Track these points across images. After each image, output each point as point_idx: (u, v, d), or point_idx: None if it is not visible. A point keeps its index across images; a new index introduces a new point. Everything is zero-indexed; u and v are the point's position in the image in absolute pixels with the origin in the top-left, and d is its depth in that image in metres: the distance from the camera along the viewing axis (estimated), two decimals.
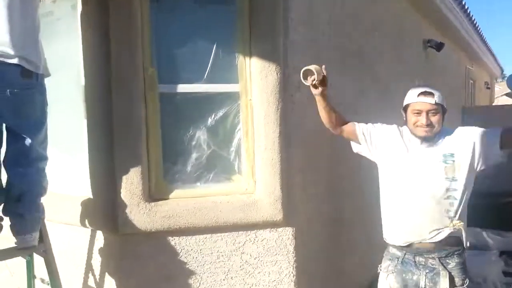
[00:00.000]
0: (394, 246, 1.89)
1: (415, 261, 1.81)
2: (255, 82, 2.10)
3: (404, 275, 1.84)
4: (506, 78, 7.30)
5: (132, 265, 2.02)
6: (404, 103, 1.86)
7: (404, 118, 1.88)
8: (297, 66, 2.13)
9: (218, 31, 2.14)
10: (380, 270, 1.95)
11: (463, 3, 5.24)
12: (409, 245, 1.81)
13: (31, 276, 1.99)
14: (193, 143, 2.13)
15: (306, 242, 2.25)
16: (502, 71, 12.49)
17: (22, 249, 1.76)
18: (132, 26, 1.93)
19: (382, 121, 2.02)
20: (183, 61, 2.14)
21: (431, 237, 1.75)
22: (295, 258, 2.14)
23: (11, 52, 1.55)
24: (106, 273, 2.08)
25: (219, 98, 2.14)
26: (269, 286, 2.13)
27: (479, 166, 1.78)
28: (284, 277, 2.13)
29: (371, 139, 1.95)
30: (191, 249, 2.06)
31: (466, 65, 7.95)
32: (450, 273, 1.76)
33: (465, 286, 1.79)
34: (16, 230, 1.74)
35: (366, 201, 2.99)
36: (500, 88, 15.86)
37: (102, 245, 2.10)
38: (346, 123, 2.01)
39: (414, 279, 1.81)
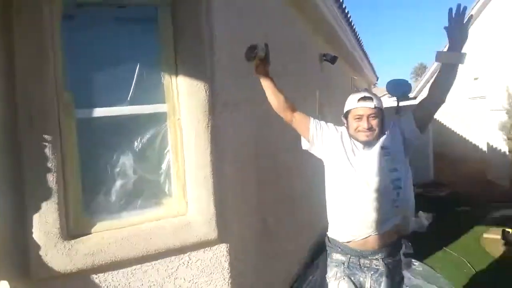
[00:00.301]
0: (338, 251, 1.95)
1: (359, 264, 1.90)
2: (183, 101, 2.08)
3: (352, 278, 1.91)
4: (386, 84, 8.46)
5: None
6: (345, 110, 1.96)
7: (346, 125, 1.98)
8: (223, 83, 2.20)
9: (141, 51, 2.07)
10: (329, 280, 2.00)
11: (352, 24, 5.95)
12: (354, 245, 1.88)
13: None
14: (117, 169, 2.01)
15: (240, 257, 2.31)
16: (377, 78, 14.29)
17: None
18: (41, 48, 1.74)
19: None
20: (103, 83, 2.01)
21: (381, 228, 1.84)
22: (230, 274, 2.18)
23: None
24: None
25: (145, 120, 2.07)
26: None
27: (409, 152, 1.93)
28: None
29: (322, 137, 1.99)
30: (119, 284, 1.94)
31: (351, 75, 8.96)
32: (391, 272, 1.90)
33: (401, 283, 1.98)
34: None
35: (293, 212, 3.19)
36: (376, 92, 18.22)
37: None
38: (295, 110, 2.04)
39: (360, 281, 1.91)
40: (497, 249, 4.33)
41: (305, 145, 2.09)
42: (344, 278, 1.91)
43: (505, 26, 9.65)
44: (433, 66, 14.35)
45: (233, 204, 2.27)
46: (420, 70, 47.14)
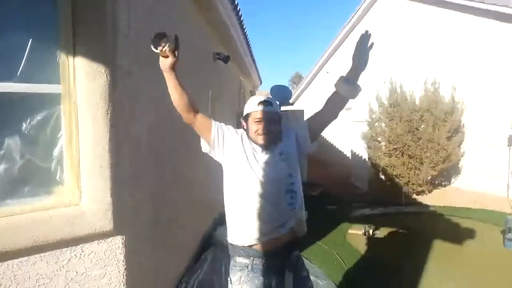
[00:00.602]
0: (241, 254, 1.96)
1: (263, 266, 1.93)
2: (81, 84, 2.01)
3: (256, 281, 1.92)
4: (270, 89, 9.08)
5: None
6: (245, 112, 2.02)
7: (245, 127, 2.03)
8: (125, 69, 2.19)
9: (35, 26, 1.94)
10: (231, 283, 1.98)
11: (244, 28, 6.28)
12: (256, 248, 1.92)
13: None
14: (2, 152, 1.85)
15: (138, 248, 2.32)
16: (261, 82, 15.19)
17: None
18: None
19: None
20: None
21: (278, 232, 1.92)
22: (125, 266, 2.17)
23: None
24: None
25: (36, 100, 1.95)
26: None
27: (300, 157, 2.03)
28: (114, 286, 2.13)
29: (223, 141, 1.99)
30: (2, 278, 1.80)
31: (239, 77, 9.39)
32: (294, 269, 2.01)
33: (308, 277, 2.09)
34: None
35: (187, 204, 3.27)
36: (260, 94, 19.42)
37: None
38: (198, 112, 1.98)
39: (265, 283, 1.93)
40: (359, 242, 5.10)
41: (205, 147, 2.08)
42: (246, 283, 1.93)
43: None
44: (309, 77, 15.99)
45: (129, 195, 2.26)
46: (296, 78, 51.34)
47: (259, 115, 1.94)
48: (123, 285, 2.17)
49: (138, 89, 2.44)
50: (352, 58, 1.95)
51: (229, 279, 2.01)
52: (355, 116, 9.62)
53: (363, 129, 8.98)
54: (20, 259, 1.84)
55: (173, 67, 1.84)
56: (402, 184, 7.87)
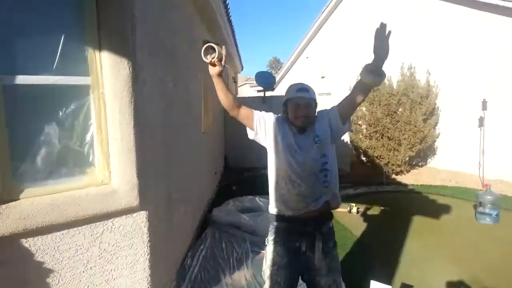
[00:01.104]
0: (279, 220, 2.22)
1: (295, 231, 2.18)
2: (107, 76, 2.27)
3: (288, 244, 2.18)
4: (255, 75, 9.38)
5: None
6: (285, 99, 2.24)
7: (284, 111, 2.24)
8: (142, 63, 2.47)
9: (66, 23, 2.18)
10: (267, 242, 2.26)
11: (230, 14, 6.54)
12: (293, 216, 2.16)
13: None
14: (43, 138, 2.12)
15: (157, 223, 2.63)
16: (242, 68, 15.40)
17: None
18: None
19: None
20: (28, 52, 2.06)
21: (314, 205, 2.14)
22: (149, 238, 2.48)
23: None
24: None
25: (69, 91, 2.20)
26: (126, 268, 2.39)
27: (335, 140, 2.20)
28: (140, 257, 2.45)
29: (265, 127, 2.22)
30: (48, 248, 2.08)
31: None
32: (323, 237, 2.18)
33: (335, 247, 2.25)
34: None
35: (193, 184, 3.58)
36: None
37: None
38: (241, 106, 2.22)
39: (296, 245, 2.16)
40: (345, 219, 5.52)
41: (250, 135, 2.30)
42: (278, 243, 2.20)
43: (349, 30, 11.73)
44: (288, 63, 16.32)
45: (150, 176, 2.56)
46: (275, 63, 51.50)
47: (296, 100, 2.17)
48: (147, 254, 2.49)
49: (152, 80, 2.72)
50: (374, 49, 2.01)
51: (266, 239, 2.28)
52: (336, 100, 10.05)
53: None
54: (62, 231, 2.12)
55: (220, 74, 2.09)
56: (382, 165, 8.38)
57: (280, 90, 15.42)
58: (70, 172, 2.23)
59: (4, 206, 1.91)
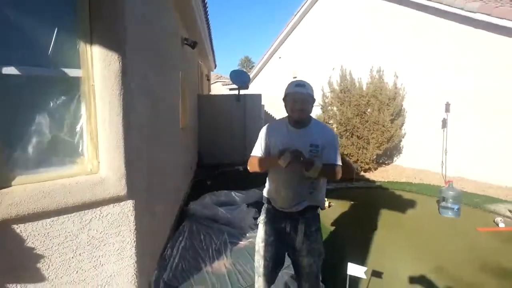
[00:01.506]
0: (269, 203, 2.56)
1: (281, 213, 2.49)
2: (98, 69, 2.35)
3: (275, 224, 2.51)
4: (229, 73, 9.52)
5: None
6: (285, 93, 2.45)
7: (285, 105, 2.46)
8: (131, 58, 2.56)
9: (59, 16, 2.25)
10: (259, 221, 2.62)
11: (207, 13, 6.65)
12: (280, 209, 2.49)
13: None
14: (34, 128, 2.17)
15: (142, 212, 2.72)
16: (216, 66, 15.48)
17: None
18: None
19: None
20: (21, 43, 2.11)
21: (296, 207, 2.43)
22: (135, 226, 2.57)
23: None
24: None
25: (61, 82, 2.27)
26: (114, 254, 2.48)
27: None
28: (126, 244, 2.54)
29: (266, 146, 2.51)
30: (38, 234, 2.14)
31: (198, 60, 9.68)
32: (306, 221, 2.44)
33: (318, 231, 2.50)
34: None
35: (172, 178, 3.68)
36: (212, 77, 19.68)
37: None
38: (252, 161, 2.51)
39: (282, 226, 2.48)
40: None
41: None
42: (267, 223, 2.56)
43: (321, 32, 12.07)
44: (261, 62, 16.55)
45: (136, 167, 2.66)
46: (246, 62, 51.84)
47: (295, 96, 2.37)
48: (134, 242, 2.58)
49: (139, 75, 2.81)
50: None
51: (258, 218, 2.66)
52: None
53: (317, 112, 9.71)
54: (52, 218, 2.19)
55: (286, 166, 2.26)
56: (352, 162, 8.73)
57: (253, 89, 15.63)
58: (60, 161, 2.29)
59: None
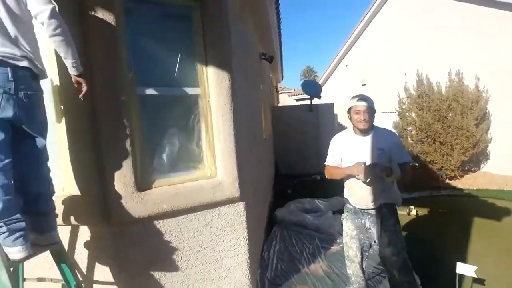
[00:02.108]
0: (348, 203, 3.05)
1: (361, 211, 2.96)
2: (212, 86, 2.77)
3: (355, 220, 3.00)
4: (301, 84, 9.87)
5: (125, 251, 2.37)
6: (348, 107, 2.95)
7: (349, 117, 2.96)
8: (235, 76, 2.94)
9: (180, 44, 2.71)
10: (342, 218, 3.14)
11: (280, 25, 7.08)
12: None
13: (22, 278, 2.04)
14: (166, 138, 2.64)
15: (251, 212, 3.08)
16: (282, 78, 15.94)
17: (50, 245, 1.93)
18: (113, 37, 2.29)
19: None
20: (154, 68, 2.60)
21: (372, 205, 2.88)
22: (247, 225, 2.94)
23: (19, 54, 1.77)
24: (98, 264, 2.34)
25: (184, 100, 2.72)
26: (230, 250, 2.85)
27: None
28: (240, 241, 2.90)
29: (337, 156, 3.05)
30: (173, 229, 2.57)
31: (270, 74, 10.15)
32: (383, 216, 2.87)
33: (396, 224, 2.89)
34: (42, 228, 1.90)
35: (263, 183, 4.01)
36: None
37: (88, 239, 2.34)
38: (328, 168, 3.08)
39: (362, 222, 2.97)
40: (405, 220, 5.80)
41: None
42: (349, 219, 3.06)
43: (391, 36, 11.99)
44: (327, 72, 16.66)
45: (245, 172, 3.03)
46: (308, 73, 51.84)
47: (357, 108, 2.86)
48: (246, 239, 2.94)
49: (240, 91, 3.22)
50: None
51: (341, 216, 3.18)
52: (383, 107, 10.31)
53: (394, 119, 9.66)
54: (183, 216, 2.61)
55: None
56: (435, 169, 8.55)
57: (322, 98, 15.81)
58: (186, 167, 2.73)
59: (143, 193, 2.42)
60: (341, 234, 4.52)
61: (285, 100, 22.63)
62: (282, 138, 9.87)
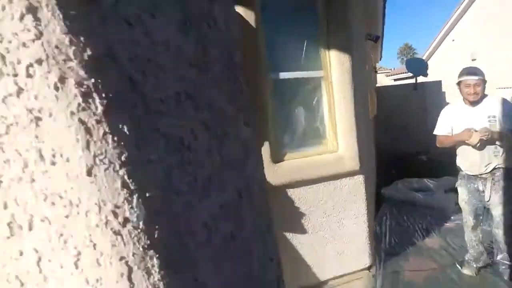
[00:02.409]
0: (461, 170, 3.19)
1: (473, 176, 3.09)
2: (334, 69, 3.05)
3: (468, 185, 3.15)
4: (405, 62, 9.62)
5: None
6: (458, 80, 3.08)
7: (459, 89, 3.10)
8: (357, 57, 3.17)
9: (306, 32, 3.03)
10: (457, 185, 3.30)
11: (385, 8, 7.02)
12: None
13: None
14: (295, 117, 3.00)
15: (368, 184, 3.34)
16: (381, 57, 15.49)
17: None
18: (252, 30, 2.67)
19: None
20: (284, 55, 2.96)
21: (485, 170, 2.99)
22: (365, 196, 3.21)
23: None
24: None
25: (309, 82, 3.05)
26: (351, 218, 3.15)
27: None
28: (360, 211, 3.19)
29: (448, 126, 3.18)
30: (301, 197, 2.94)
31: (371, 54, 10.04)
32: (494, 179, 2.97)
33: (508, 188, 2.95)
34: None
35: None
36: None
37: None
38: (440, 137, 3.23)
39: (475, 186, 3.11)
40: None
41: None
42: (462, 185, 3.22)
43: (502, 9, 10.95)
44: (431, 48, 15.76)
45: (363, 148, 3.28)
46: (406, 50, 48.82)
47: (467, 82, 2.98)
48: (365, 210, 3.21)
49: (356, 69, 3.44)
50: None
51: (456, 183, 3.32)
52: (498, 82, 9.59)
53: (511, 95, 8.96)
54: (309, 186, 2.96)
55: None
56: None
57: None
58: (311, 142, 3.08)
59: (277, 165, 2.82)
60: (456, 212, 4.60)
61: (382, 80, 21.90)
62: (385, 118, 9.74)
